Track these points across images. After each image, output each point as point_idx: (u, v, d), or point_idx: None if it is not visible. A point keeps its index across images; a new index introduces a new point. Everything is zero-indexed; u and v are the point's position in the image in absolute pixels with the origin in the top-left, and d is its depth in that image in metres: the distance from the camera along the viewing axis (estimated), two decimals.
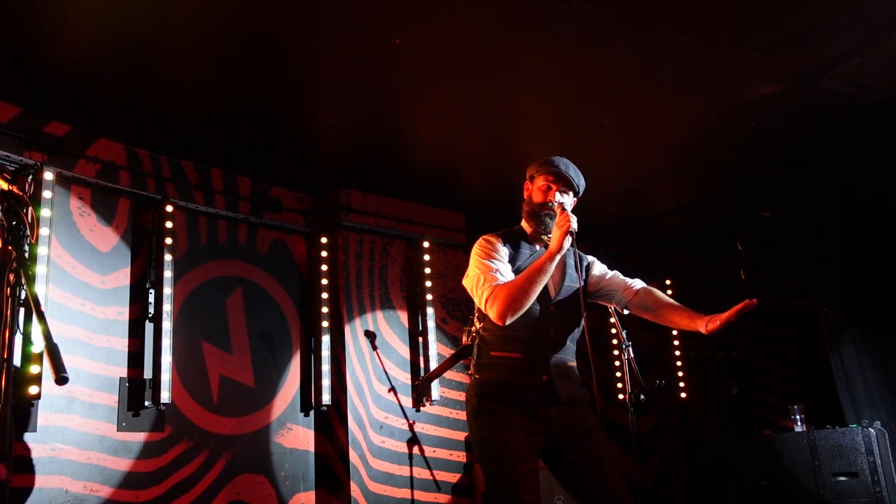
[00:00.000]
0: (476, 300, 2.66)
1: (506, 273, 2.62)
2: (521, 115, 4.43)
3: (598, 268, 2.86)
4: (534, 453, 2.55)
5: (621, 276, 2.85)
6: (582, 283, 2.64)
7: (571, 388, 2.62)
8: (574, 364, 2.69)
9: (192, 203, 4.67)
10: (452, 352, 5.48)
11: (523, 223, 2.83)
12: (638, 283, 2.81)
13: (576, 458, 2.55)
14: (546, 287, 2.62)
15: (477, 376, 2.67)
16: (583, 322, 2.73)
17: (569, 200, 2.73)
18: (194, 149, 4.64)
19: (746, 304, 2.51)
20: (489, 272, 2.60)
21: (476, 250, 2.71)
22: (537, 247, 2.77)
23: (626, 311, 2.85)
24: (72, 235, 4.09)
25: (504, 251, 2.70)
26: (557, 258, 2.53)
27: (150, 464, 4.11)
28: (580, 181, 2.76)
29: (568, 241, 2.51)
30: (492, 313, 2.54)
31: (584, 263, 2.83)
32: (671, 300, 2.75)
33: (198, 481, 4.28)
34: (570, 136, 4.73)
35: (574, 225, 2.52)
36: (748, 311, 2.51)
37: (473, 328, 2.78)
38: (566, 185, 2.72)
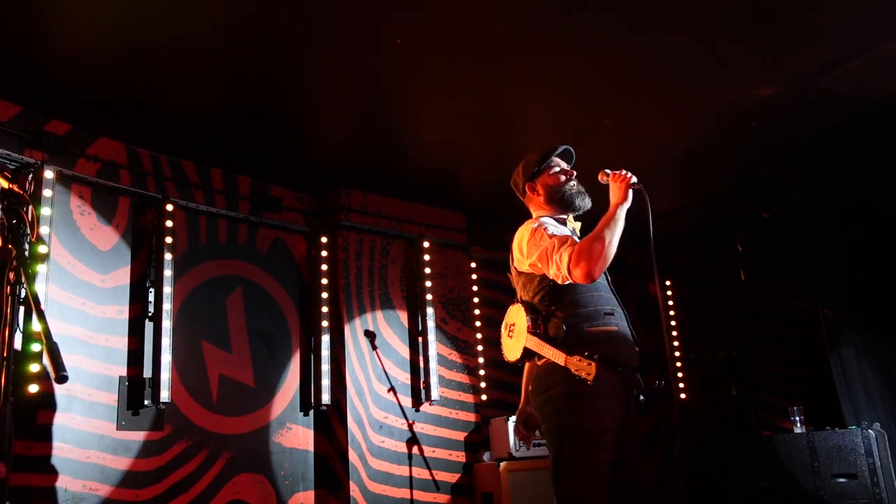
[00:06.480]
0: (552, 270, 2.59)
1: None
2: (521, 116, 4.44)
3: None
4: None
5: None
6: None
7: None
8: None
9: (192, 202, 4.67)
10: (452, 352, 5.50)
11: (541, 212, 2.89)
12: None
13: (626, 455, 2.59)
14: None
15: (569, 357, 2.56)
16: None
17: None
18: (195, 148, 4.64)
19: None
20: (563, 238, 2.61)
21: (535, 232, 2.69)
22: (568, 225, 2.86)
23: None
24: (72, 234, 4.09)
25: (558, 225, 2.77)
26: (626, 206, 2.63)
27: (149, 463, 4.11)
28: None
29: (630, 193, 2.64)
30: (579, 271, 2.48)
31: None
32: None
33: (197, 480, 4.28)
34: (570, 137, 4.66)
35: (635, 178, 2.68)
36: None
37: (539, 313, 2.71)
38: (570, 162, 2.97)
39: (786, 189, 5.16)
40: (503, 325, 2.88)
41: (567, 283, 2.60)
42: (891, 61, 3.90)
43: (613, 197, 2.67)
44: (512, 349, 2.79)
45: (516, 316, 2.78)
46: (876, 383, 5.56)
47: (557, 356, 2.56)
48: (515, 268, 2.85)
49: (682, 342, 6.84)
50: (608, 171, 2.76)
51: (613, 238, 2.54)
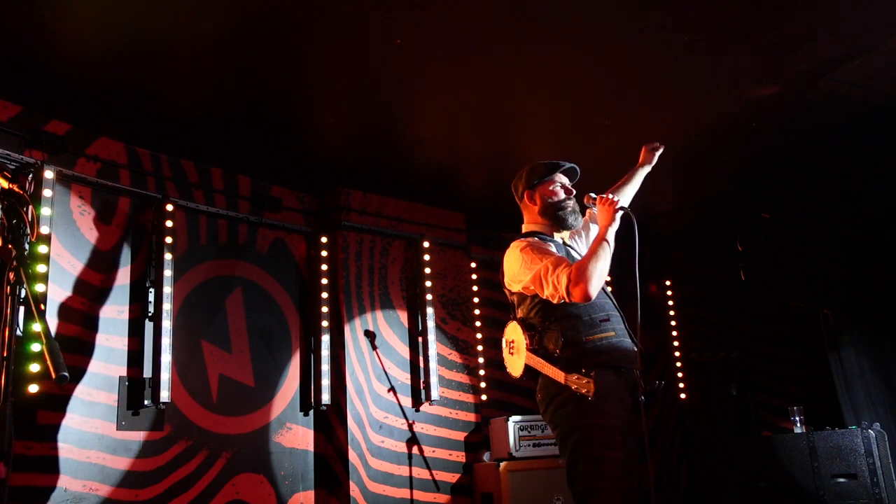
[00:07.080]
0: (548, 291, 2.66)
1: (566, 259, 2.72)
2: (521, 116, 4.43)
3: (592, 229, 3.13)
4: None
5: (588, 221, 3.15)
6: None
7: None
8: None
9: (192, 202, 4.67)
10: (452, 352, 5.50)
11: (535, 226, 2.96)
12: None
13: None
14: None
15: (568, 376, 2.62)
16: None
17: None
18: (195, 148, 4.64)
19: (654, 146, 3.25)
20: (557, 260, 2.67)
21: (524, 254, 2.75)
22: (556, 237, 2.94)
23: None
24: (72, 234, 4.09)
25: (549, 244, 2.83)
26: (615, 227, 2.68)
27: (149, 463, 4.11)
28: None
29: (619, 215, 2.70)
30: (578, 291, 2.55)
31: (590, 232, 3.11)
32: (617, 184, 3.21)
33: (197, 480, 4.28)
34: (570, 137, 4.73)
35: (621, 202, 2.77)
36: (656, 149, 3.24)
37: (536, 329, 2.77)
38: (573, 179, 3.02)
39: (786, 189, 5.16)
40: (503, 342, 2.94)
41: (562, 301, 2.65)
42: (891, 61, 3.90)
43: (602, 219, 2.72)
44: (514, 366, 2.85)
45: (514, 333, 2.85)
46: (876, 383, 5.57)
47: (557, 375, 2.64)
48: (507, 288, 2.93)
49: (682, 342, 6.84)
50: (593, 194, 2.83)
51: (607, 259, 2.63)
